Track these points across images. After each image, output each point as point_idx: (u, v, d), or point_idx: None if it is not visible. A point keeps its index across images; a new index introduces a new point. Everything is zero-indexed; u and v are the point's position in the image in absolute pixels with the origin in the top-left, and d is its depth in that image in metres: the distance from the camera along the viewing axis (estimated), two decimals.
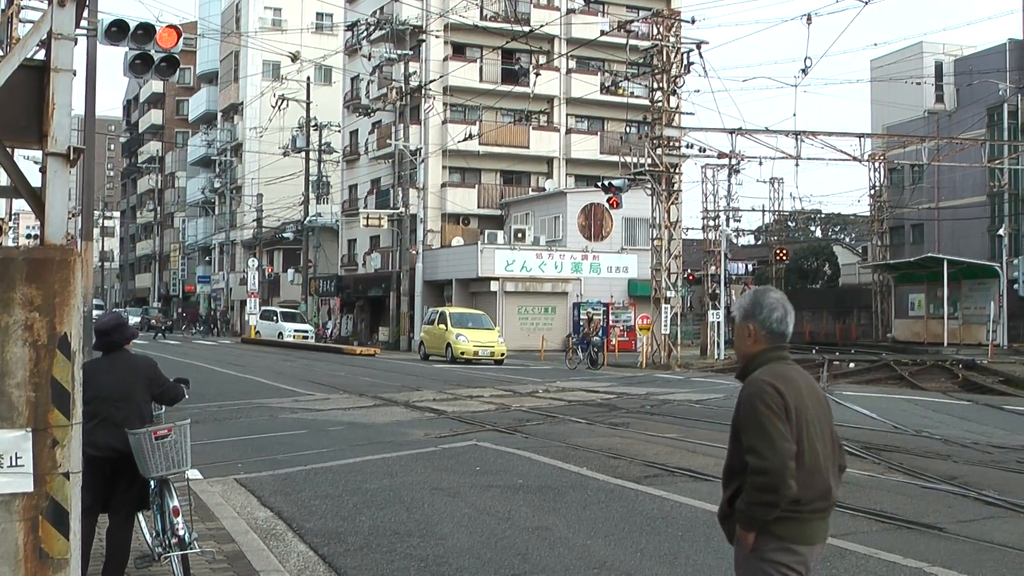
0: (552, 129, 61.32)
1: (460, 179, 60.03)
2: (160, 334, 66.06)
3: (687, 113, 47.54)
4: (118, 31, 18.66)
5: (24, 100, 5.10)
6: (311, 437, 17.21)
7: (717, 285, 49.89)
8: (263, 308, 65.48)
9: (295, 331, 59.18)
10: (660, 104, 41.61)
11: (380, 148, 60.54)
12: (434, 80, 54.53)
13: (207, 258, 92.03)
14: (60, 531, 4.94)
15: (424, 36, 56.76)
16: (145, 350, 18.97)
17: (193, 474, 11.28)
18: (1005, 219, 54.67)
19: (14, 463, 4.84)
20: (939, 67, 67.23)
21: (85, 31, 21.11)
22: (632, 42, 46.93)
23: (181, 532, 7.14)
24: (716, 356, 44.54)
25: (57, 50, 5.05)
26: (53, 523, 4.92)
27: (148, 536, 7.92)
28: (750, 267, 71.25)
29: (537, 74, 51.13)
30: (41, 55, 5.24)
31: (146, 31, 18.81)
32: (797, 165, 45.60)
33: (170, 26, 19.26)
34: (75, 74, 5.19)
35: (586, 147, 61.19)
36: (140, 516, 7.83)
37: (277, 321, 60.83)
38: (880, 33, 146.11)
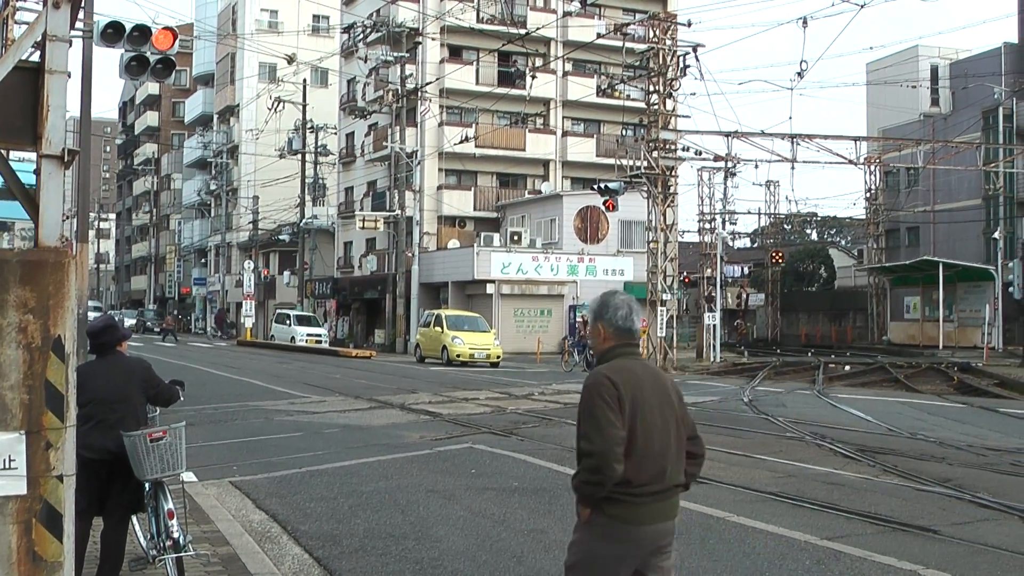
0: (548, 132, 61.33)
1: (456, 181, 60.04)
2: (169, 336, 65.82)
3: (683, 116, 47.66)
4: (114, 33, 18.65)
5: (19, 102, 5.09)
6: (306, 440, 17.19)
7: (713, 288, 49.98)
8: (278, 311, 64.07)
9: (308, 335, 57.18)
10: (656, 107, 41.61)
11: (376, 150, 60.56)
12: (430, 82, 54.54)
13: (203, 260, 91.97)
14: (54, 534, 4.93)
15: (420, 38, 56.79)
16: (141, 352, 18.98)
17: (188, 476, 11.28)
18: (1000, 222, 54.72)
19: (7, 466, 4.83)
20: (935, 70, 67.32)
21: (81, 33, 21.08)
22: (628, 45, 46.83)
23: (176, 534, 7.13)
24: (712, 359, 44.60)
25: (52, 52, 5.05)
26: (47, 526, 4.91)
27: (142, 538, 7.91)
28: (746, 270, 71.37)
29: (533, 77, 51.16)
30: (36, 57, 5.24)
31: (142, 33, 18.79)
32: (793, 168, 45.62)
33: (166, 28, 19.24)
34: (70, 76, 5.18)
35: (582, 150, 61.22)
36: (134, 519, 7.81)
37: (290, 325, 59.13)
38: (876, 36, 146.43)
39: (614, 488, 4.87)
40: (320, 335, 57.76)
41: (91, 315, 25.51)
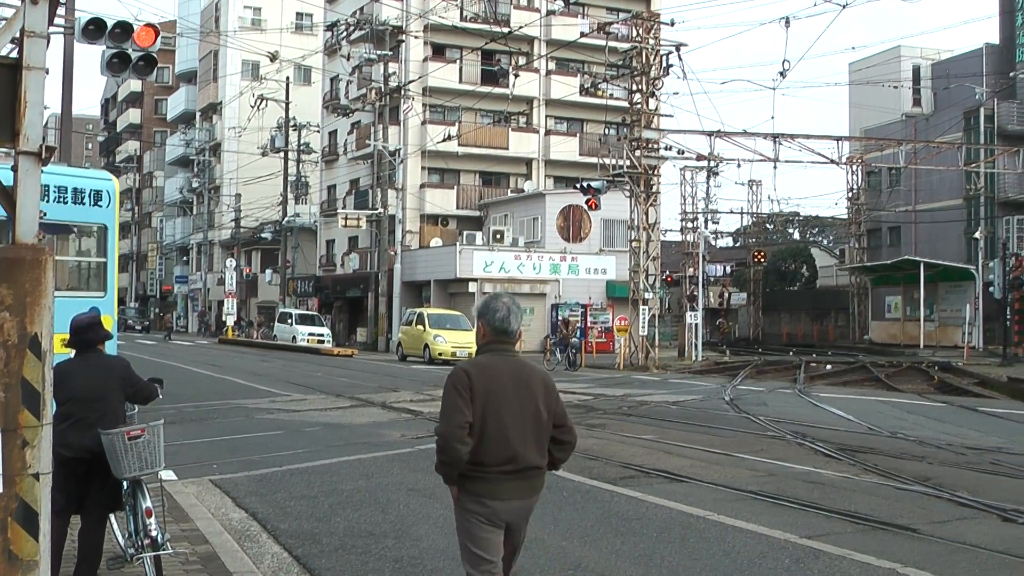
0: (531, 130, 61.34)
1: (439, 180, 60.00)
2: (168, 335, 65.41)
3: (666, 115, 47.73)
4: (95, 29, 18.57)
5: None
6: (287, 438, 17.16)
7: (695, 287, 50.04)
8: (280, 311, 62.33)
9: (310, 334, 55.24)
10: (639, 106, 41.69)
11: (359, 149, 60.49)
12: (413, 81, 54.49)
13: (185, 258, 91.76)
14: (30, 532, 4.90)
15: (404, 37, 56.71)
16: (122, 350, 18.81)
17: (168, 475, 11.26)
18: (981, 222, 54.97)
19: None
20: (916, 71, 67.55)
21: (62, 29, 21.03)
22: (612, 44, 46.96)
23: (154, 533, 7.10)
24: (694, 358, 44.65)
25: (29, 48, 5.02)
26: (22, 525, 4.88)
27: (120, 537, 7.88)
28: (728, 269, 71.51)
29: (516, 75, 51.11)
30: (14, 53, 5.21)
31: (124, 29, 18.71)
32: (775, 167, 45.79)
33: (148, 25, 19.17)
34: (48, 72, 5.16)
35: (565, 149, 61.23)
36: (112, 517, 7.78)
37: (292, 324, 57.37)
38: (858, 37, 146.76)
39: (472, 467, 5.61)
40: (323, 335, 55.92)
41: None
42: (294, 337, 55.81)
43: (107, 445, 7.08)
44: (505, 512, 5.73)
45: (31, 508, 4.91)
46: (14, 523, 4.87)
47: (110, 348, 10.44)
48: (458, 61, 57.07)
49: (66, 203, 16.58)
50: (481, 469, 5.63)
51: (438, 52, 59.32)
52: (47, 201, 15.23)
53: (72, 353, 7.58)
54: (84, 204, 16.98)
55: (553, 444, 5.88)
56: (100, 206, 17.28)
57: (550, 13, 57.01)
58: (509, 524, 5.80)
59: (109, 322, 15.36)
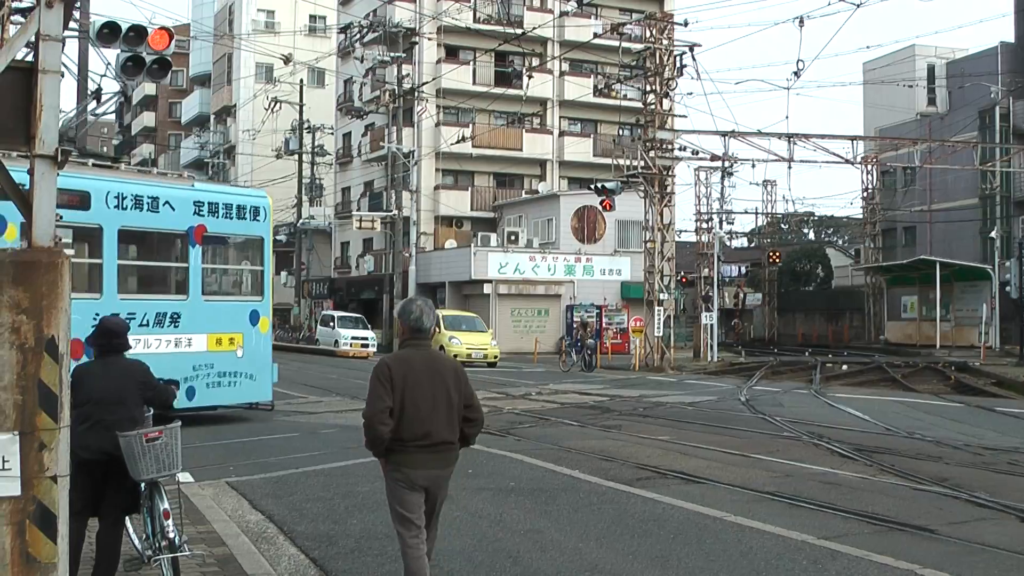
0: (545, 132, 61.31)
1: (453, 182, 60.01)
2: None
3: (680, 116, 47.64)
4: (110, 33, 18.65)
5: (11, 102, 5.08)
6: (303, 440, 17.18)
7: (710, 287, 49.93)
8: (322, 313, 59.37)
9: (353, 338, 50.45)
10: (653, 107, 41.63)
11: (373, 151, 60.55)
12: (427, 82, 54.49)
13: None
14: (47, 535, 4.91)
15: (417, 38, 56.77)
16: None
17: (184, 477, 11.27)
18: (997, 221, 54.76)
19: (1, 467, 4.82)
20: (931, 70, 67.30)
21: (77, 33, 21.10)
22: (625, 45, 46.85)
23: (171, 535, 7.11)
24: (709, 359, 44.56)
25: (45, 51, 5.04)
26: (40, 527, 4.89)
27: (135, 539, 7.88)
28: (743, 269, 71.32)
29: (530, 76, 51.08)
30: (30, 57, 5.23)
31: (138, 33, 18.80)
32: (790, 167, 45.64)
33: (162, 28, 19.24)
34: (63, 76, 5.17)
35: (579, 150, 61.19)
36: (127, 519, 7.79)
37: (334, 327, 52.64)
38: (872, 36, 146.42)
39: (394, 443, 6.84)
40: (367, 339, 51.26)
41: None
42: (336, 341, 51.24)
43: (125, 447, 7.09)
44: (422, 479, 6.93)
45: (49, 510, 4.92)
46: (32, 525, 4.88)
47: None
48: (471, 63, 57.06)
49: (232, 218, 19.12)
50: (401, 444, 6.84)
51: (451, 54, 59.33)
52: (217, 217, 18.86)
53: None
54: (246, 219, 19.44)
55: (464, 422, 7.15)
56: (258, 221, 19.69)
57: (563, 14, 56.95)
58: (427, 489, 6.97)
59: (266, 324, 19.96)
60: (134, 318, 16.96)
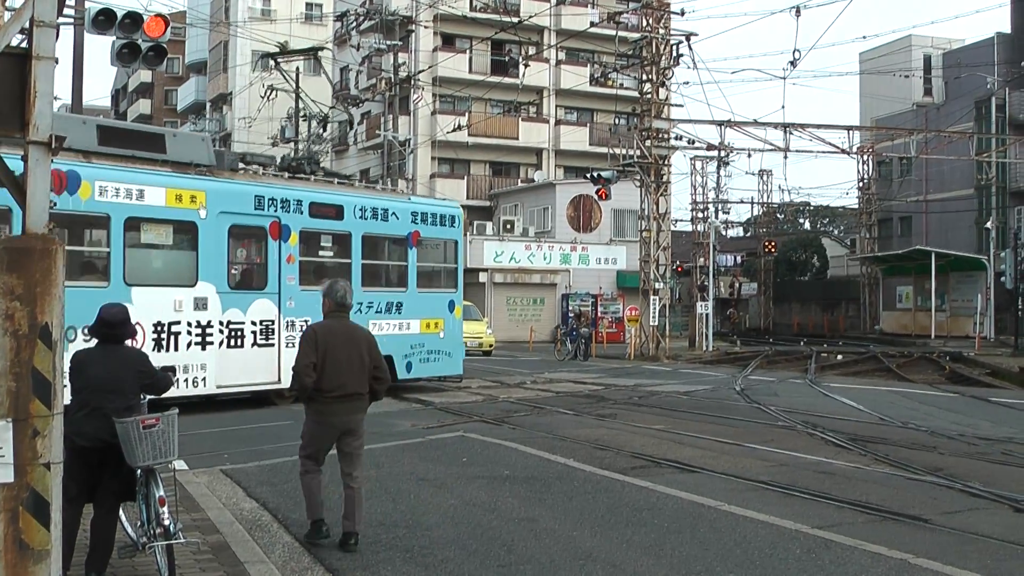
0: (541, 120, 61.24)
1: (449, 170, 59.95)
2: None
3: (676, 105, 47.54)
4: (105, 20, 18.63)
5: (5, 88, 5.06)
6: (297, 427, 17.04)
7: (706, 277, 49.98)
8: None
9: None
10: (649, 96, 41.59)
11: (369, 139, 60.44)
12: (423, 71, 54.40)
13: None
14: (41, 522, 4.91)
15: (413, 26, 56.66)
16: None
17: (179, 464, 11.28)
18: (992, 212, 54.81)
19: None
20: (928, 60, 67.28)
21: (72, 20, 21.04)
22: (621, 34, 46.87)
23: (166, 522, 7.10)
24: (704, 348, 44.59)
25: (39, 38, 5.02)
26: (34, 514, 4.89)
27: (128, 527, 7.88)
28: (739, 259, 71.35)
29: (526, 65, 51.00)
30: (24, 43, 5.21)
31: (133, 20, 18.77)
32: (786, 157, 45.66)
33: (158, 15, 19.21)
34: (57, 62, 5.16)
35: (575, 139, 61.14)
36: (121, 507, 7.78)
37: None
38: (869, 26, 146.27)
39: (315, 393, 8.80)
40: None
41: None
42: None
43: (122, 433, 7.09)
44: (338, 423, 8.93)
45: (42, 497, 4.92)
46: (25, 512, 4.88)
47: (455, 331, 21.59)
48: (468, 51, 56.98)
49: (436, 225, 23.88)
50: (321, 394, 8.81)
51: (448, 42, 59.24)
52: (427, 224, 23.62)
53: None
54: (445, 226, 24.21)
55: (373, 380, 9.08)
56: (453, 227, 24.50)
57: (560, 3, 56.87)
58: (342, 431, 8.96)
59: (459, 311, 24.74)
60: (372, 306, 22.07)
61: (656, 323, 40.81)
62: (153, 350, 17.57)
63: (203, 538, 8.79)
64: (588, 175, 43.27)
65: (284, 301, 20.24)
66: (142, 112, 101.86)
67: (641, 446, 15.27)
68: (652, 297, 40.78)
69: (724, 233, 72.03)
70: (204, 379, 18.79)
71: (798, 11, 36.07)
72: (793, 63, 39.97)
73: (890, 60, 62.22)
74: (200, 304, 18.82)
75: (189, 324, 18.60)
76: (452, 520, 10.05)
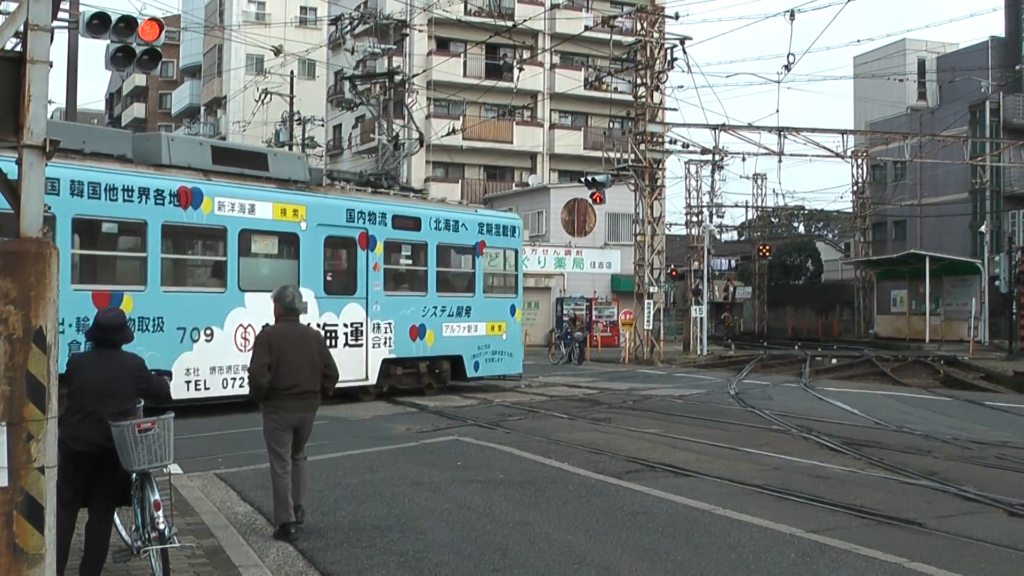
0: (536, 124, 61.28)
1: (444, 174, 59.96)
2: None
3: (671, 109, 47.68)
4: (99, 24, 18.59)
5: (0, 92, 5.06)
6: None
7: (700, 281, 50.03)
8: None
9: None
10: (644, 100, 41.63)
11: (363, 142, 60.43)
12: (418, 74, 54.41)
13: None
14: (35, 526, 4.90)
15: (408, 30, 56.68)
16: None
17: (173, 468, 11.26)
18: (987, 216, 54.86)
19: None
20: (922, 64, 67.42)
21: (67, 23, 21.01)
22: (616, 38, 46.92)
23: (161, 526, 7.09)
24: (699, 352, 44.60)
25: (33, 41, 5.02)
26: (28, 518, 4.88)
27: (123, 531, 7.87)
28: (733, 263, 71.45)
29: (521, 69, 51.06)
30: (18, 47, 5.20)
31: (128, 24, 18.74)
32: (780, 161, 45.65)
33: (152, 19, 19.18)
34: (52, 66, 5.15)
35: (570, 142, 61.18)
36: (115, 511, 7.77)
37: None
38: (863, 30, 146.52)
39: (271, 391, 9.37)
40: None
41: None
42: None
43: (117, 437, 7.07)
44: (292, 419, 9.51)
45: (36, 502, 4.91)
46: (20, 516, 4.87)
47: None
48: (462, 55, 57.03)
49: (499, 235, 25.65)
50: (276, 392, 9.38)
51: (442, 46, 59.27)
52: (491, 234, 25.43)
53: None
54: (507, 235, 26.03)
55: (324, 378, 9.69)
56: (514, 237, 26.32)
57: (554, 7, 56.94)
58: (295, 427, 9.58)
59: (519, 315, 26.57)
60: (444, 310, 24.01)
61: (650, 327, 40.84)
62: None
63: (198, 542, 8.77)
64: (582, 179, 43.29)
65: (371, 305, 22.19)
66: (136, 116, 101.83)
67: (636, 450, 15.27)
68: (646, 301, 40.80)
69: (719, 237, 71.99)
70: None
71: (792, 15, 36.16)
72: (787, 67, 39.91)
73: (884, 64, 62.36)
74: None
75: None
76: (446, 524, 10.04)
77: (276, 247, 21.14)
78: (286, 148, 58.73)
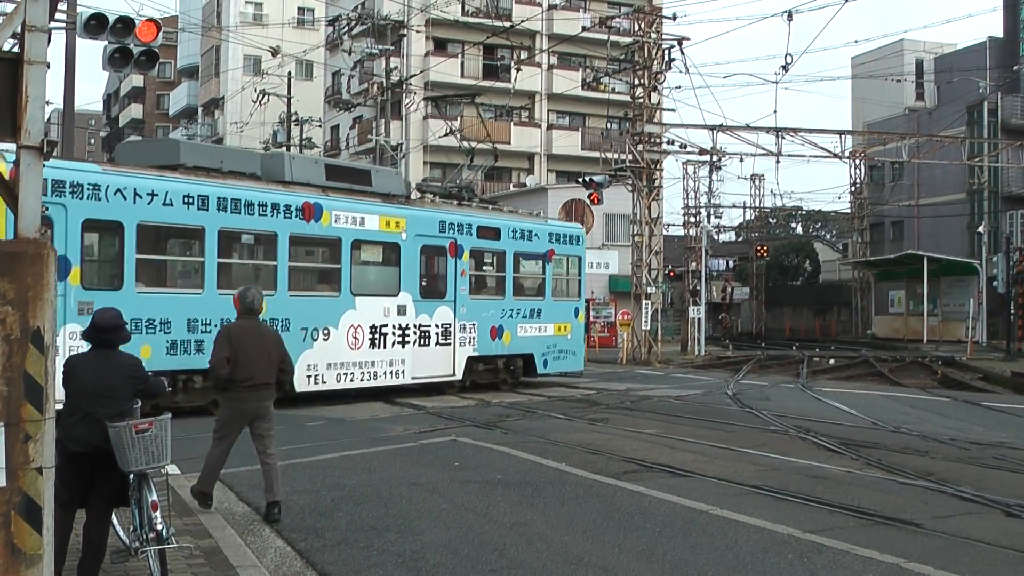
0: (533, 125, 61.29)
1: (441, 174, 59.93)
2: None
3: (668, 109, 47.61)
4: (97, 25, 18.60)
5: None
6: (289, 432, 17.13)
7: (698, 281, 49.99)
8: None
9: None
10: (641, 100, 41.64)
11: (361, 143, 60.44)
12: (415, 75, 54.37)
13: None
14: (33, 526, 4.91)
15: (405, 31, 56.66)
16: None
17: (171, 469, 11.25)
18: (984, 216, 54.89)
19: None
20: (919, 65, 67.43)
21: (64, 24, 21.02)
22: (613, 38, 46.88)
23: (159, 527, 7.09)
24: (696, 352, 44.59)
25: (31, 42, 5.02)
26: (26, 518, 4.89)
27: (121, 532, 7.86)
28: (731, 263, 71.41)
29: (518, 70, 51.05)
30: (16, 48, 5.21)
31: (125, 25, 18.75)
32: (778, 162, 45.63)
33: (149, 20, 19.20)
34: (49, 67, 5.15)
35: (567, 143, 61.19)
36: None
37: None
38: (861, 30, 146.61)
39: (229, 383, 10.08)
40: None
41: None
42: None
43: (114, 438, 7.07)
44: (249, 409, 10.24)
45: (34, 502, 4.91)
46: (17, 517, 4.87)
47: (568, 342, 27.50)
48: (460, 55, 57.02)
49: (565, 243, 27.72)
50: (234, 384, 10.08)
51: (440, 47, 59.27)
52: (559, 243, 27.55)
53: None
54: (571, 244, 28.10)
55: (280, 372, 10.34)
56: (578, 245, 28.46)
57: (552, 7, 56.97)
58: (252, 416, 10.26)
59: (582, 316, 28.85)
60: (519, 313, 26.14)
61: (648, 327, 40.84)
62: (369, 348, 22.07)
63: (195, 542, 8.77)
64: (580, 179, 43.29)
65: (458, 308, 24.31)
66: (134, 117, 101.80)
67: (633, 450, 15.27)
68: (644, 301, 40.80)
69: (716, 237, 71.98)
70: (403, 371, 22.89)
71: (790, 15, 36.14)
72: (785, 67, 40.15)
73: (882, 64, 62.37)
74: (401, 310, 22.85)
75: (393, 327, 22.67)
76: (444, 524, 10.05)
77: (381, 255, 23.30)
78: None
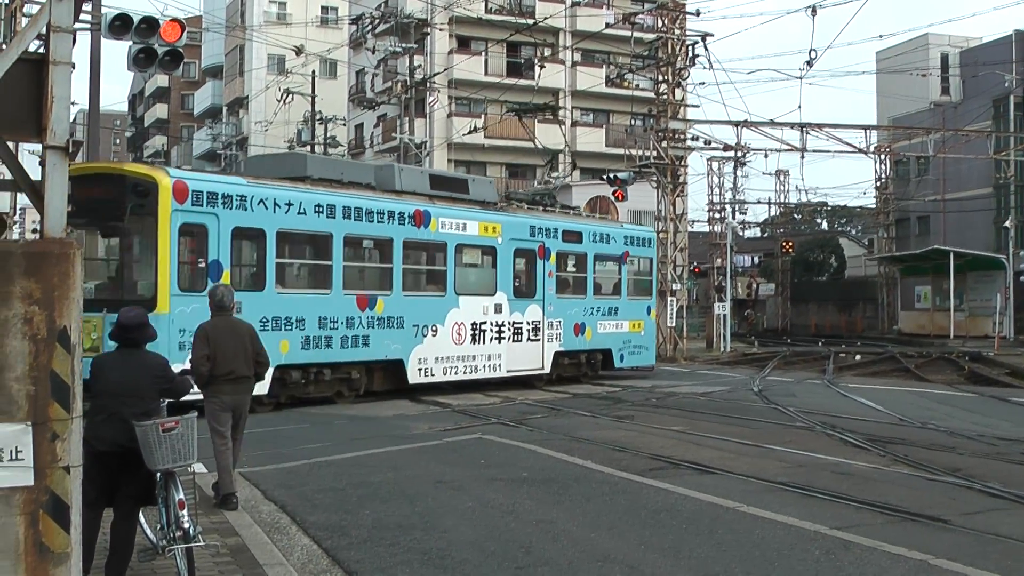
0: (557, 122, 61.23)
1: (466, 172, 59.93)
2: None
3: (692, 105, 47.51)
4: (121, 25, 18.69)
5: (23, 93, 5.09)
6: (315, 430, 17.20)
7: (723, 278, 49.85)
8: None
9: None
10: (665, 96, 41.56)
11: (385, 141, 60.47)
12: (439, 73, 54.38)
13: None
14: (60, 525, 4.93)
15: (429, 29, 56.68)
16: None
17: (198, 467, 11.28)
18: (1011, 211, 54.56)
19: (14, 457, 4.83)
20: (945, 59, 67.01)
21: (89, 25, 21.12)
22: (637, 35, 46.76)
23: (186, 525, 7.11)
24: (722, 349, 44.48)
25: (56, 43, 5.04)
26: (53, 517, 4.91)
27: (148, 530, 7.89)
28: (756, 259, 71.16)
29: (542, 67, 50.97)
30: (41, 49, 5.23)
31: (149, 25, 18.83)
32: (803, 157, 45.52)
33: (173, 20, 19.28)
34: (74, 67, 5.17)
35: (592, 140, 61.07)
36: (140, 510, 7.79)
37: None
38: (885, 25, 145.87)
39: (211, 378, 10.32)
40: None
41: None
42: None
43: (141, 437, 7.09)
44: (229, 401, 10.53)
45: (62, 501, 4.94)
46: (45, 515, 4.89)
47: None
48: (483, 53, 56.95)
49: (638, 246, 29.62)
50: (215, 379, 10.37)
51: (463, 44, 59.23)
52: (634, 245, 29.39)
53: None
54: (644, 246, 30.10)
55: (256, 364, 10.67)
56: (650, 247, 30.65)
57: (575, 4, 56.84)
58: (232, 408, 10.58)
59: (654, 314, 30.97)
60: (599, 310, 27.98)
61: (673, 324, 40.74)
62: (471, 343, 23.74)
63: (222, 541, 8.81)
64: (605, 176, 43.22)
65: (546, 306, 26.06)
66: (159, 117, 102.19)
67: (659, 448, 15.25)
68: (669, 298, 40.70)
69: (741, 234, 71.83)
70: (499, 365, 24.64)
71: (814, 10, 35.99)
72: (809, 63, 39.81)
73: (907, 59, 61.99)
74: (497, 309, 24.59)
75: (491, 324, 24.34)
76: (469, 522, 10.05)
77: (480, 258, 25.30)
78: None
